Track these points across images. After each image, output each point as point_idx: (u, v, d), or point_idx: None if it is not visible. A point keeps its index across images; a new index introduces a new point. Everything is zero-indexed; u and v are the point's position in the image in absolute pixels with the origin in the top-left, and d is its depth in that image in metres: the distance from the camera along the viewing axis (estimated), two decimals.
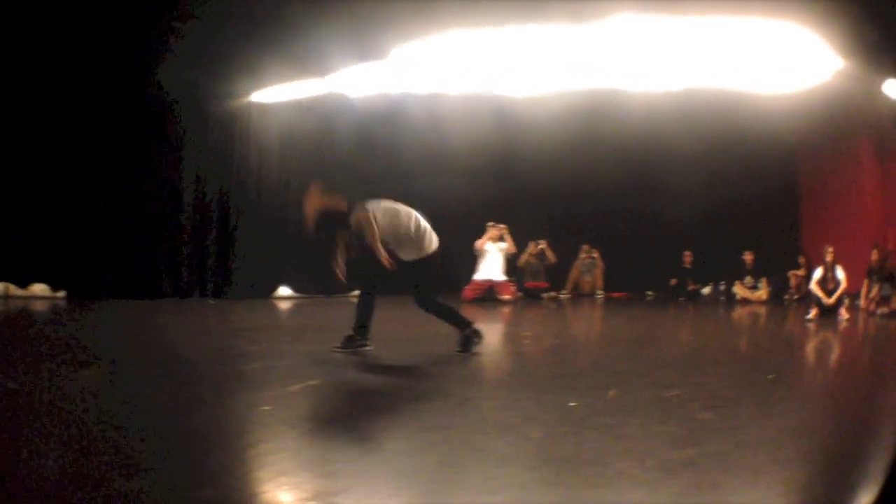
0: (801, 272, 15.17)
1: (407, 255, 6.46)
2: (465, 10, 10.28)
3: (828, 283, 11.67)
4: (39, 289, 12.48)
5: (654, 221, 16.37)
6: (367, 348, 6.49)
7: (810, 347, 8.78)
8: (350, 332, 6.51)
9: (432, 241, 6.56)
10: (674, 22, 10.07)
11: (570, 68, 11.71)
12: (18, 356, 6.11)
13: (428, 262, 6.49)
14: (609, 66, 11.52)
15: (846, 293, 11.69)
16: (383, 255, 6.24)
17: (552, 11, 10.08)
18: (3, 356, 6.03)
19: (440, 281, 6.93)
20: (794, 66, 11.06)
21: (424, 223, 6.59)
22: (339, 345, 6.44)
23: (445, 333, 6.61)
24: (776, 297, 15.47)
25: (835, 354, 8.52)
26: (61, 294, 12.46)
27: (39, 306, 11.43)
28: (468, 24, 10.79)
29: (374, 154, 14.85)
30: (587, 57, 11.30)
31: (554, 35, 10.71)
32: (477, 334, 6.58)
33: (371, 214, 6.29)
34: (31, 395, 4.38)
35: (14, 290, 12.40)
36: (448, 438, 3.57)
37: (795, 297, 15.12)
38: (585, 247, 16.39)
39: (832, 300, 11.46)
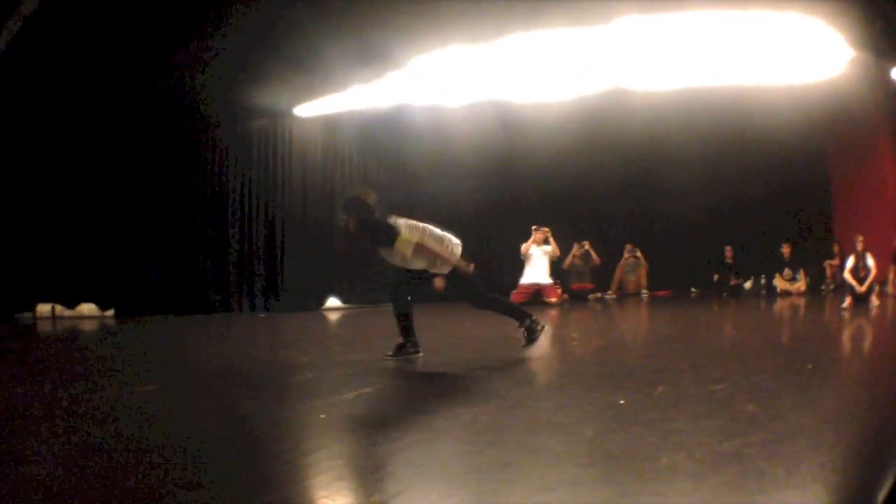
0: (835, 262, 15.23)
1: (441, 269, 6.54)
2: (472, 21, 10.34)
3: (859, 272, 11.80)
4: (87, 308, 12.70)
5: (693, 219, 16.44)
6: (418, 355, 6.57)
7: (845, 336, 8.86)
8: (399, 340, 6.61)
9: (456, 247, 6.65)
10: (690, 20, 10.07)
11: (594, 69, 11.73)
12: (72, 375, 6.27)
13: (458, 270, 6.56)
14: (634, 66, 11.53)
15: (876, 280, 11.79)
16: (463, 266, 6.50)
17: (560, 17, 10.11)
18: (57, 375, 6.19)
19: (481, 279, 6.99)
20: (815, 57, 11.03)
21: (441, 232, 6.65)
22: (390, 353, 6.54)
23: (492, 337, 6.68)
24: (814, 288, 15.49)
25: (867, 342, 8.62)
26: (109, 313, 12.64)
27: (88, 325, 11.62)
28: (477, 34, 10.84)
29: (413, 164, 15.04)
30: (610, 57, 11.33)
31: (572, 38, 10.74)
32: (537, 323, 6.61)
33: (422, 234, 6.42)
34: (87, 413, 4.50)
35: (62, 310, 12.61)
36: (502, 440, 3.63)
37: (832, 286, 15.15)
38: (629, 246, 16.41)
39: (864, 288, 11.58)
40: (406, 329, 6.65)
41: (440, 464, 3.34)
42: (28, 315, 12.50)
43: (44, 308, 12.69)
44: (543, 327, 6.67)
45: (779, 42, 10.60)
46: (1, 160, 12.17)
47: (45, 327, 11.60)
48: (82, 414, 4.46)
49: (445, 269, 6.56)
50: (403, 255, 6.39)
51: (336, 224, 13.19)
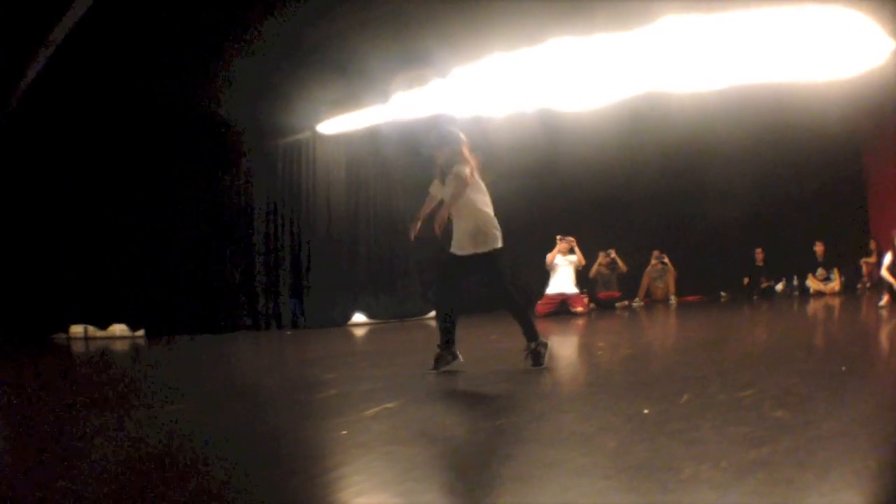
0: (872, 259, 14.94)
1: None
2: (510, 27, 10.33)
3: None
4: (119, 329, 12.85)
5: (722, 221, 16.25)
6: (458, 361, 6.53)
7: (883, 335, 8.60)
8: (438, 350, 6.55)
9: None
10: (721, 19, 9.97)
11: (620, 75, 11.66)
12: (102, 395, 6.29)
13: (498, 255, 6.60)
14: (659, 70, 11.44)
15: None
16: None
17: (599, 20, 10.07)
18: (87, 396, 6.21)
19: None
20: (848, 51, 10.83)
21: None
22: (431, 367, 6.51)
23: (518, 349, 6.62)
24: (849, 287, 15.23)
25: None
26: (140, 333, 12.77)
27: (119, 346, 11.73)
28: (514, 41, 10.82)
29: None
30: (636, 63, 11.24)
31: (601, 44, 10.69)
32: (545, 346, 6.49)
33: None
34: (117, 433, 4.51)
35: (94, 331, 12.75)
36: (525, 452, 3.60)
37: (868, 285, 14.88)
38: (656, 252, 16.31)
39: None
40: (447, 331, 6.53)
41: (460, 478, 3.31)
42: (63, 336, 12.67)
43: (76, 329, 12.88)
44: (546, 346, 6.51)
45: (815, 36, 10.42)
46: (37, 184, 12.36)
47: (78, 348, 11.75)
48: (110, 432, 4.48)
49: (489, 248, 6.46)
50: (480, 218, 6.44)
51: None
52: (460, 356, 6.56)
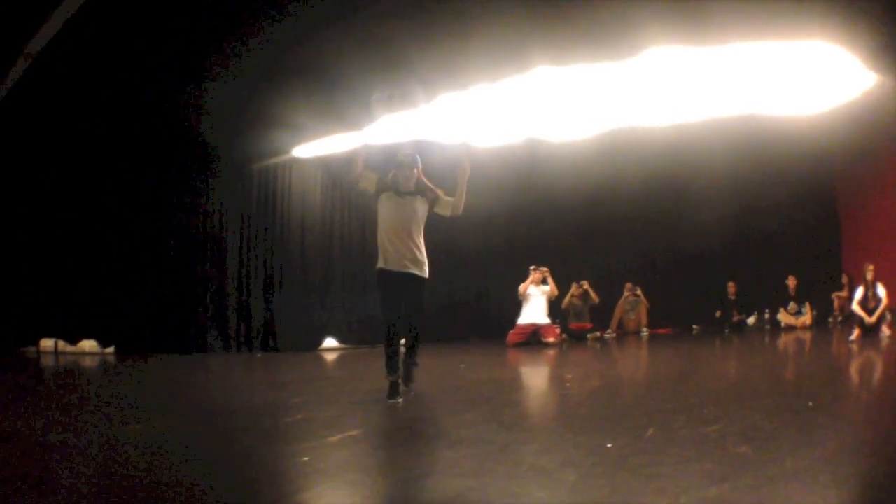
0: (843, 293, 15.07)
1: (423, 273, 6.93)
2: (498, 58, 10.36)
3: (868, 302, 11.64)
4: (89, 345, 12.81)
5: (696, 253, 16.37)
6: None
7: (852, 369, 8.71)
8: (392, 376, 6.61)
9: None
10: (700, 52, 10.03)
11: (596, 107, 11.71)
12: (66, 411, 6.24)
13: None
14: (640, 101, 11.50)
15: (888, 309, 11.62)
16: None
17: (579, 53, 10.11)
18: (50, 411, 6.15)
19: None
20: (825, 85, 10.92)
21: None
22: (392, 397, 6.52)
23: (485, 379, 6.63)
24: (821, 321, 15.33)
25: (876, 374, 8.41)
26: (110, 350, 12.71)
27: (89, 362, 11.64)
28: (501, 72, 10.85)
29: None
30: (619, 94, 11.29)
31: (582, 76, 10.73)
32: (397, 389, 6.61)
33: None
34: (78, 449, 4.47)
35: (64, 346, 12.69)
36: (483, 485, 3.58)
37: (840, 318, 14.98)
38: (629, 284, 16.32)
39: (873, 318, 11.43)
40: (394, 356, 6.69)
41: None
42: (32, 349, 12.60)
43: (47, 343, 12.85)
44: (398, 394, 6.59)
45: (793, 70, 10.48)
46: (9, 197, 12.31)
47: (47, 362, 11.67)
48: (66, 449, 4.43)
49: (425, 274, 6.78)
50: (415, 232, 6.78)
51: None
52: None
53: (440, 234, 15.61)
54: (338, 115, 12.18)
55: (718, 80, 10.88)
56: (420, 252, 6.80)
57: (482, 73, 10.91)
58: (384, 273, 6.76)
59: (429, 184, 6.96)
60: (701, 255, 16.53)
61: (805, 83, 10.90)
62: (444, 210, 6.92)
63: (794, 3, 8.65)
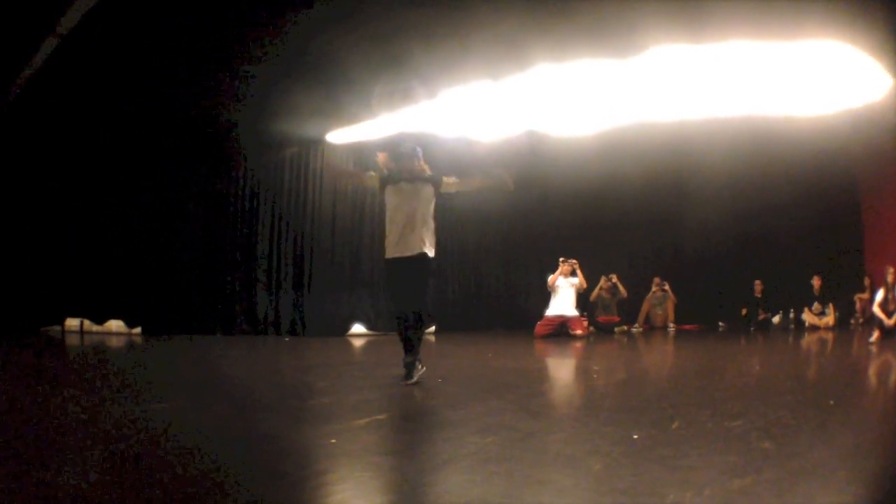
0: (865, 295, 15.02)
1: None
2: (501, 52, 10.34)
3: (889, 304, 11.57)
4: (115, 325, 12.91)
5: (724, 252, 16.37)
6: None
7: (871, 371, 8.69)
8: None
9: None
10: (721, 50, 9.97)
11: (622, 102, 11.67)
12: (87, 388, 6.31)
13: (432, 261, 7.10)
14: (661, 97, 11.45)
15: None
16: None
17: (590, 48, 10.08)
18: (76, 388, 6.23)
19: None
20: (848, 86, 10.86)
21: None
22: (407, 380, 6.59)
23: (512, 368, 6.65)
24: (843, 322, 15.30)
25: (893, 376, 8.47)
26: (137, 330, 12.79)
27: (115, 342, 11.72)
28: (505, 67, 10.83)
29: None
30: (636, 90, 11.25)
31: (604, 71, 10.69)
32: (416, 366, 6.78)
33: None
34: (100, 426, 4.52)
35: (90, 325, 12.78)
36: (508, 470, 3.60)
37: (861, 320, 14.96)
38: (657, 280, 16.33)
39: (893, 321, 11.36)
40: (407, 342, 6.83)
41: (445, 492, 3.32)
42: (57, 328, 12.71)
43: (72, 322, 12.96)
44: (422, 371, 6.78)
45: (812, 70, 10.43)
46: (40, 178, 12.42)
47: (72, 341, 11.75)
48: (89, 427, 4.49)
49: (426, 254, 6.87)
50: (419, 217, 6.87)
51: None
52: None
53: (470, 225, 15.81)
54: (363, 102, 12.21)
55: (743, 80, 10.85)
56: (428, 235, 6.94)
57: (490, 68, 10.92)
58: (389, 262, 6.97)
59: (429, 172, 7.16)
60: (728, 253, 16.54)
61: (829, 85, 10.85)
62: (449, 188, 7.10)
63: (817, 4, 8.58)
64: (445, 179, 7.04)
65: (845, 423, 4.94)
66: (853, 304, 15.76)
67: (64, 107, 11.96)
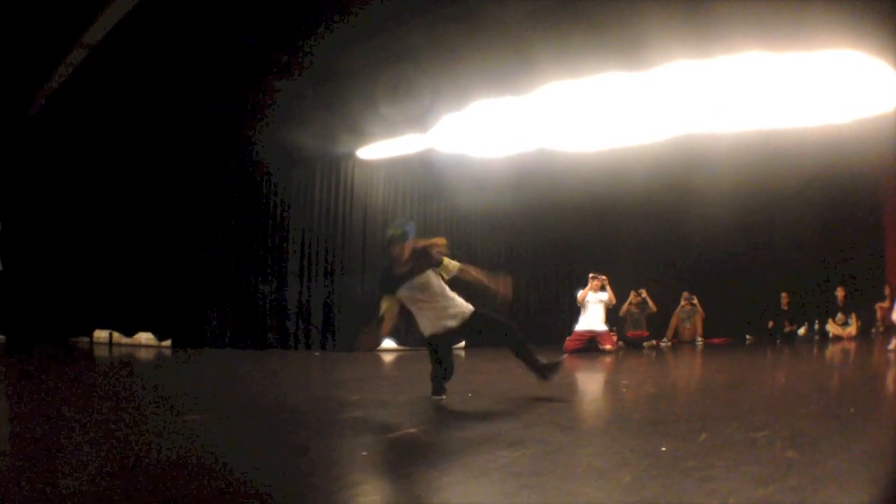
0: (885, 304, 14.99)
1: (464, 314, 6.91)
2: (516, 70, 10.40)
3: None
4: (145, 337, 13.08)
5: (750, 265, 16.43)
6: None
7: (889, 378, 8.77)
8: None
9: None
10: (737, 62, 9.99)
11: (653, 115, 11.69)
12: (120, 399, 6.41)
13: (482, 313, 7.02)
14: (694, 111, 11.47)
15: None
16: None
17: (606, 63, 10.11)
18: (107, 401, 6.32)
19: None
20: (868, 96, 10.83)
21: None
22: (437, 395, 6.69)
23: (544, 383, 6.70)
24: (865, 331, 15.28)
25: None
26: (167, 343, 12.91)
27: (144, 354, 11.85)
28: (522, 84, 10.89)
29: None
30: (666, 103, 11.27)
31: (637, 85, 10.71)
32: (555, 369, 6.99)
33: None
34: (135, 438, 4.60)
35: (119, 337, 12.94)
36: (539, 483, 3.64)
37: (881, 329, 14.95)
38: (686, 294, 16.31)
39: None
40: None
41: None
42: (85, 340, 12.85)
43: (101, 334, 13.12)
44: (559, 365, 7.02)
45: (833, 80, 10.43)
46: (75, 193, 12.59)
47: (101, 352, 11.87)
48: (125, 437, 4.57)
49: (467, 313, 6.78)
50: (440, 293, 6.70)
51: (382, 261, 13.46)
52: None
53: (500, 243, 15.84)
54: (396, 119, 12.29)
55: (766, 93, 10.86)
56: (453, 305, 6.81)
57: (507, 87, 10.98)
58: (434, 338, 6.86)
59: (426, 247, 6.76)
60: (755, 267, 16.54)
61: (849, 94, 10.84)
62: (446, 272, 6.80)
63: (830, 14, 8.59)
64: (446, 262, 6.74)
65: (864, 430, 5.01)
66: (874, 313, 15.72)
67: (93, 119, 12.12)
